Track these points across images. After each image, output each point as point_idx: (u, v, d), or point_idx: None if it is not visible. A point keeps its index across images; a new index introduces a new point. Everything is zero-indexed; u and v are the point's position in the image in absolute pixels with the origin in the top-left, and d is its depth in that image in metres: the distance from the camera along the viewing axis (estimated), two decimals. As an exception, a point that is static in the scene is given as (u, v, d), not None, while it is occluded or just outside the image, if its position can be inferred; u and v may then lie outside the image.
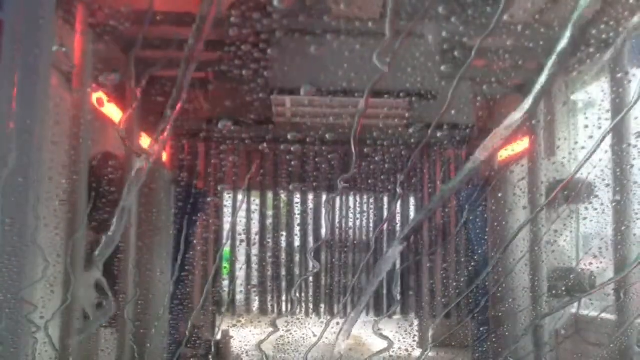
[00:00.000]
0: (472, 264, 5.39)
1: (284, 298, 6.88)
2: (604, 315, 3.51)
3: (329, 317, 6.73)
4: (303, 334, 5.60)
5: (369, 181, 6.48)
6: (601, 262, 3.67)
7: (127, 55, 3.04)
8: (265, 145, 6.12)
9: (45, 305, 3.21)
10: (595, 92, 4.70)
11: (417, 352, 6.27)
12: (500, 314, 4.37)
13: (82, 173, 3.29)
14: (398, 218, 6.81)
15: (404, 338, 6.08)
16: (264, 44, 3.33)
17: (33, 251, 3.00)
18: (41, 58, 2.25)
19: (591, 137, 4.20)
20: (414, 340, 6.29)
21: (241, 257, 6.86)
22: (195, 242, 5.84)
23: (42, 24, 2.18)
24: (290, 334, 5.58)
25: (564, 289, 3.81)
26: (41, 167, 2.99)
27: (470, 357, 5.41)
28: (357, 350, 5.50)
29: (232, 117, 4.58)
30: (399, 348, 5.69)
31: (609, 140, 3.62)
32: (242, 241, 6.81)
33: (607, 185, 3.77)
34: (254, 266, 6.80)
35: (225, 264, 6.81)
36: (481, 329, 4.96)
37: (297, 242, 6.89)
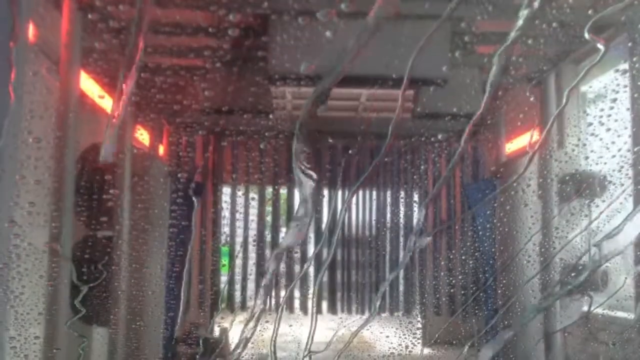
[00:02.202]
0: (478, 259, 5.26)
1: (282, 295, 6.77)
2: (616, 313, 3.39)
3: (330, 315, 6.62)
4: (301, 332, 5.49)
5: (371, 178, 6.35)
6: (615, 260, 3.54)
7: (119, 39, 2.88)
8: (264, 138, 5.98)
9: (44, 302, 3.12)
10: (604, 83, 4.57)
11: (419, 350, 6.16)
12: (506, 311, 4.24)
13: (71, 166, 3.15)
14: (401, 215, 6.69)
15: (405, 335, 5.98)
16: (263, 28, 3.17)
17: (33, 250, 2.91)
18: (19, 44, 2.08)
19: (593, 134, 4.10)
20: (415, 338, 6.19)
21: (239, 254, 6.74)
22: (191, 237, 5.70)
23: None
24: (292, 329, 5.49)
25: (575, 286, 3.67)
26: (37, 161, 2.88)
27: (474, 355, 5.29)
28: (360, 348, 5.40)
29: (229, 109, 4.43)
30: (399, 345, 5.59)
31: (626, 133, 3.49)
32: (241, 237, 6.68)
33: (621, 179, 3.64)
34: (252, 262, 6.68)
35: (224, 261, 6.68)
36: (486, 326, 4.83)
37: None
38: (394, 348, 5.49)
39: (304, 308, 6.71)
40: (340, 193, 6.77)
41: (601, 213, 3.74)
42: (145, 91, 4.05)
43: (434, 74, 3.30)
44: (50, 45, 2.78)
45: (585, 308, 3.58)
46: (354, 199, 6.83)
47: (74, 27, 2.82)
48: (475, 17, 2.85)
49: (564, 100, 4.48)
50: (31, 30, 2.58)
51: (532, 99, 4.16)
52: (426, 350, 6.18)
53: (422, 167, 6.28)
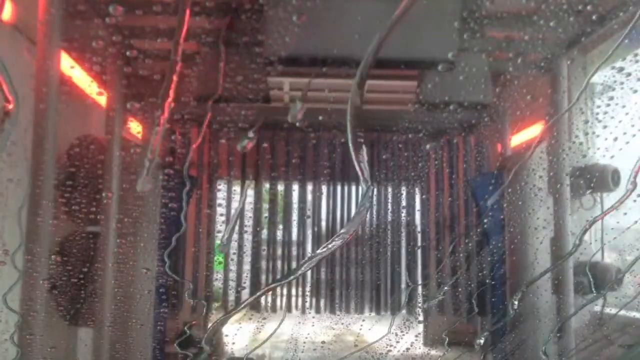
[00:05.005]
0: (487, 256, 5.09)
1: (278, 293, 6.62)
2: (630, 313, 3.24)
3: (328, 314, 6.48)
4: (298, 331, 5.42)
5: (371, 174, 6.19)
6: (629, 256, 3.40)
7: (105, 19, 2.68)
8: (261, 131, 5.81)
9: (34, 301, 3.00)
10: (613, 74, 4.44)
11: (420, 350, 6.03)
12: (515, 310, 4.08)
13: (51, 156, 2.97)
14: (403, 212, 6.53)
15: (405, 335, 5.85)
16: (259, 9, 2.97)
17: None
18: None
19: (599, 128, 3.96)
20: (417, 338, 6.05)
21: (235, 250, 6.58)
22: (185, 234, 5.54)
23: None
24: (287, 328, 5.43)
25: (588, 284, 3.53)
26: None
27: (480, 356, 5.16)
28: (360, 346, 5.30)
29: (224, 99, 4.24)
30: (397, 342, 5.47)
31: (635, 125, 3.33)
32: (236, 234, 6.51)
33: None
34: (248, 259, 6.52)
35: (218, 258, 6.52)
36: (494, 326, 4.69)
37: (294, 236, 6.61)
38: (395, 348, 5.37)
39: (301, 307, 6.58)
40: (339, 188, 6.62)
41: (607, 210, 3.59)
42: (136, 79, 3.87)
43: (441, 57, 3.10)
44: (29, 25, 2.58)
45: (598, 308, 3.43)
46: (353, 197, 6.67)
47: (53, 4, 2.62)
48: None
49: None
50: (7, 8, 2.39)
51: (541, 88, 3.99)
52: (427, 351, 6.05)
53: (425, 161, 6.14)
